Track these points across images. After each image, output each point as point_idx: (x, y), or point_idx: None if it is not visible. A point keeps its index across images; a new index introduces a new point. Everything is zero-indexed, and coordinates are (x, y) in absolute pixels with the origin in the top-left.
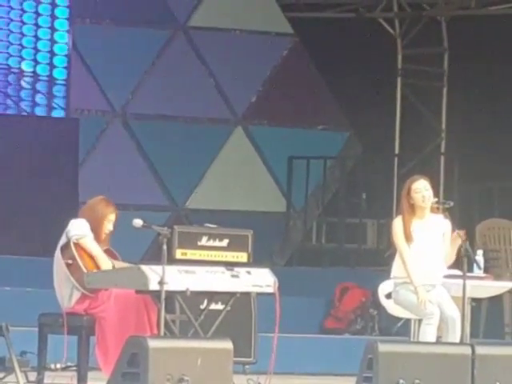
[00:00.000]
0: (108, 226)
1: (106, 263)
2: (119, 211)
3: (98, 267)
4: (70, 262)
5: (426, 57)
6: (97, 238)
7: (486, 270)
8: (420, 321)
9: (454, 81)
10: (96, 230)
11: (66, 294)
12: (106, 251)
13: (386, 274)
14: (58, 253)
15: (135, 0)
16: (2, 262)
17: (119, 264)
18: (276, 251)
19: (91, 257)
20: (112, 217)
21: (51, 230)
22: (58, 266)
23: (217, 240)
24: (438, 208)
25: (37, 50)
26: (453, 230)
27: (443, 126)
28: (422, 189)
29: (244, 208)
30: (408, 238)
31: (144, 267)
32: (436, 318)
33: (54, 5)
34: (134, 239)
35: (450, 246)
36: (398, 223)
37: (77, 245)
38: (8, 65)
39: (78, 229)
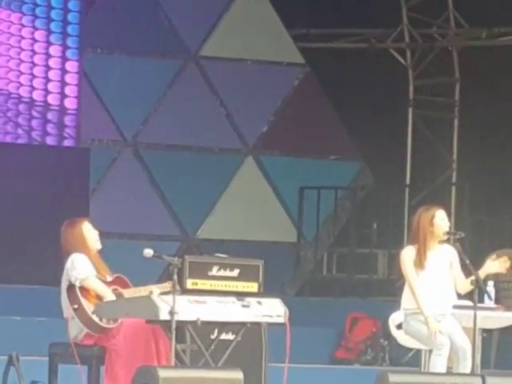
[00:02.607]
0: (91, 234)
1: (111, 298)
2: (130, 241)
3: None
4: (75, 306)
5: (437, 87)
6: (90, 253)
7: (496, 301)
8: (430, 351)
9: (466, 111)
10: (84, 248)
11: (75, 330)
12: (117, 279)
13: (396, 305)
14: (63, 293)
15: (146, 29)
16: (12, 291)
17: (130, 292)
18: (287, 281)
19: (97, 295)
20: (87, 225)
21: (62, 260)
22: (66, 306)
23: (227, 270)
24: (448, 238)
25: (48, 80)
26: (462, 259)
27: (454, 156)
28: (445, 217)
29: (255, 238)
30: (421, 265)
31: (155, 297)
32: (446, 349)
33: (65, 34)
34: (145, 269)
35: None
36: (407, 253)
37: (81, 288)
38: (19, 94)
39: (78, 272)
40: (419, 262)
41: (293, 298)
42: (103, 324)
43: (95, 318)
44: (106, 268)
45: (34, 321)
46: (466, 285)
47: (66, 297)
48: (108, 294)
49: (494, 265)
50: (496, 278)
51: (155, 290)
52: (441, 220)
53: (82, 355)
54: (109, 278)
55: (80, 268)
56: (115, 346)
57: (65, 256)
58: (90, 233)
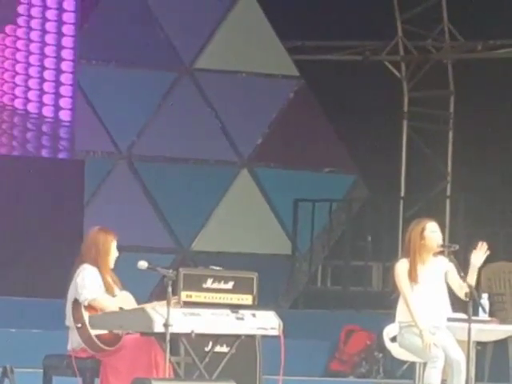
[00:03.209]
0: (114, 253)
1: None
2: (124, 253)
3: None
4: (79, 325)
5: (432, 100)
6: (106, 267)
7: (491, 314)
8: (425, 364)
9: (460, 124)
10: (104, 260)
11: (75, 342)
12: (122, 296)
13: (391, 317)
14: (69, 304)
15: (141, 42)
16: (7, 303)
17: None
18: (281, 294)
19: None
20: (115, 243)
21: (56, 272)
22: (69, 317)
23: (222, 282)
24: (442, 251)
25: (42, 92)
26: (458, 272)
27: (449, 169)
28: (437, 229)
29: (249, 250)
30: (414, 278)
31: (149, 309)
32: (441, 362)
33: (60, 46)
34: (139, 281)
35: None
36: (401, 266)
37: (87, 307)
38: (14, 106)
39: (88, 291)
40: (412, 276)
41: (287, 311)
42: (104, 346)
43: (97, 341)
44: (117, 281)
45: (28, 333)
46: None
47: (71, 311)
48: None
49: (478, 256)
50: (490, 290)
51: (159, 307)
52: (430, 232)
53: (76, 367)
54: (118, 292)
55: (90, 287)
56: (112, 361)
57: (78, 262)
58: (114, 251)
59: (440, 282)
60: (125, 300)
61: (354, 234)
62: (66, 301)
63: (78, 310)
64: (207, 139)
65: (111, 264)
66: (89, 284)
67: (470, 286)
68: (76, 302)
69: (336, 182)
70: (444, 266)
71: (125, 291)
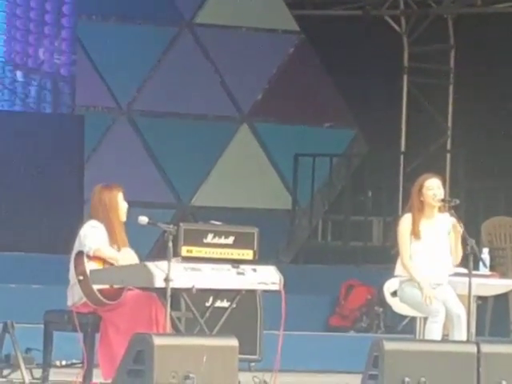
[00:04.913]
0: (123, 205)
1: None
2: None
3: None
4: (81, 278)
5: (432, 54)
6: (118, 222)
7: (491, 268)
8: (425, 319)
9: (460, 78)
10: (115, 215)
11: (76, 296)
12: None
13: (391, 272)
14: (72, 259)
15: None
16: (7, 258)
17: None
18: (281, 249)
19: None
20: (121, 195)
21: (57, 227)
22: (72, 272)
23: (222, 237)
24: (444, 206)
25: (43, 47)
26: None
27: (449, 123)
28: (434, 187)
29: (250, 205)
30: (416, 235)
31: (150, 264)
32: (442, 316)
33: (60, 1)
34: (140, 236)
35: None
36: (405, 221)
37: (91, 258)
38: (15, 62)
39: (91, 241)
40: (414, 231)
41: (288, 266)
42: (105, 300)
43: (98, 293)
44: (125, 239)
45: (29, 288)
46: (455, 258)
47: (73, 263)
48: (122, 258)
49: None
50: (491, 245)
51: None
52: (427, 190)
53: (77, 322)
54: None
55: (94, 238)
56: (112, 317)
57: (87, 219)
58: (122, 203)
59: (443, 239)
60: (126, 256)
61: (355, 189)
62: (70, 257)
63: (81, 262)
64: (207, 94)
65: (123, 217)
66: (92, 235)
67: (470, 241)
68: (78, 255)
69: (336, 136)
70: (448, 225)
71: (127, 247)
